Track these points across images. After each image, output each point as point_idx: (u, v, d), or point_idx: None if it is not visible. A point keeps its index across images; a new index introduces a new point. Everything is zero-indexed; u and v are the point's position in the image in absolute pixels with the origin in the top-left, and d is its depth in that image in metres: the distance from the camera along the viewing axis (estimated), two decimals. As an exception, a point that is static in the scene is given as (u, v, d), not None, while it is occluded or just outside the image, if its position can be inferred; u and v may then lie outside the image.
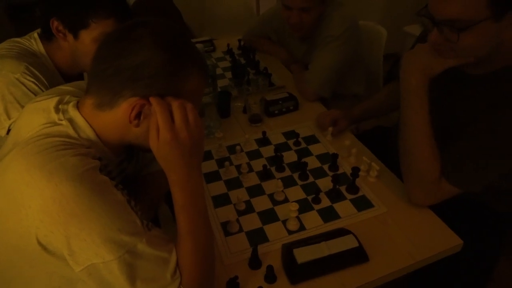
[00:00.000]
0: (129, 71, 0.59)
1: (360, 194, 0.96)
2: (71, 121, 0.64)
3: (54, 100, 0.67)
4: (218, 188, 1.00)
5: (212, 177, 1.04)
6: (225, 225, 0.88)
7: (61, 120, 0.64)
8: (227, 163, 1.04)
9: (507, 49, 0.77)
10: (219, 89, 1.34)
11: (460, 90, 0.89)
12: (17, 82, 0.94)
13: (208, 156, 1.11)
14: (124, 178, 0.82)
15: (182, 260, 0.64)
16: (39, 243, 0.58)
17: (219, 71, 1.58)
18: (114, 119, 0.64)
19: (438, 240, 0.83)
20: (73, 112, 0.65)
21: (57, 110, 0.65)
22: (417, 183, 0.87)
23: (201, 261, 0.66)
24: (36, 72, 0.97)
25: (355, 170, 0.94)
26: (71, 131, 0.63)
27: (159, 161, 0.65)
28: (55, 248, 0.58)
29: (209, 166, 1.07)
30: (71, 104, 0.67)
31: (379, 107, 1.25)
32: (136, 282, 0.59)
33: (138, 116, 0.63)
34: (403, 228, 0.86)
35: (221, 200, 0.96)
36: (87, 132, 0.65)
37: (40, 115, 0.65)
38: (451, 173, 0.83)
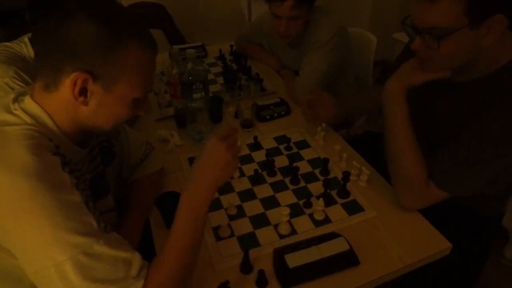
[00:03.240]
0: (64, 46, 0.58)
1: (351, 198, 0.96)
2: (24, 109, 0.63)
3: (17, 92, 0.67)
4: (210, 193, 1.00)
5: (204, 182, 1.03)
6: (216, 230, 0.88)
7: (16, 109, 0.63)
8: (218, 168, 1.04)
9: (487, 56, 0.79)
10: (211, 94, 1.35)
11: (445, 96, 0.91)
12: (6, 87, 0.93)
13: (199, 161, 1.11)
14: (100, 177, 0.81)
15: (157, 270, 0.63)
16: None
17: (211, 76, 1.58)
18: (62, 99, 0.63)
19: (427, 243, 0.84)
20: (27, 100, 0.65)
21: (14, 101, 0.65)
22: (405, 188, 0.88)
23: (178, 278, 0.65)
24: (26, 77, 0.96)
25: (346, 175, 0.95)
26: (27, 119, 0.63)
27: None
28: (8, 245, 0.56)
29: (201, 171, 1.07)
30: (28, 94, 0.66)
31: (368, 102, 1.25)
32: (96, 284, 0.57)
33: (83, 92, 0.62)
34: (393, 232, 0.87)
35: (213, 205, 0.95)
36: (43, 117, 0.64)
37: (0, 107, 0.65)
38: (439, 178, 0.84)
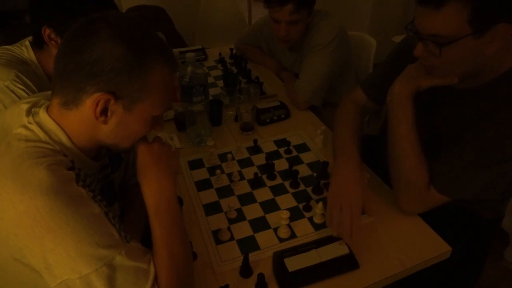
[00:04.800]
0: (88, 66, 0.58)
1: (350, 201, 0.96)
2: (40, 124, 0.63)
3: (30, 103, 0.67)
4: (209, 196, 1.00)
5: (203, 185, 1.03)
6: (216, 233, 0.88)
7: (31, 123, 0.62)
8: (218, 171, 1.04)
9: (491, 64, 0.79)
10: (211, 98, 1.35)
11: (448, 103, 0.91)
12: (6, 90, 0.93)
13: (199, 164, 1.11)
14: (110, 184, 0.81)
15: (158, 269, 0.63)
16: (13, 256, 0.57)
17: (210, 79, 1.59)
18: (81, 117, 0.62)
19: (427, 247, 0.84)
20: (42, 114, 0.64)
21: (28, 113, 0.64)
22: (406, 191, 0.88)
23: (177, 270, 0.65)
24: (26, 80, 0.96)
25: (345, 178, 0.95)
26: (42, 135, 0.62)
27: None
28: (30, 261, 0.57)
29: (200, 174, 1.07)
30: (42, 107, 0.65)
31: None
32: None
33: (104, 112, 0.61)
34: (393, 235, 0.87)
35: (212, 208, 0.96)
36: (58, 134, 0.63)
37: (13, 118, 0.64)
38: (440, 182, 0.84)
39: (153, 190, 0.69)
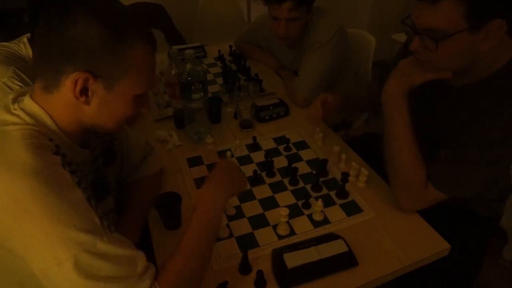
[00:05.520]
0: (64, 46, 0.58)
1: (349, 199, 0.96)
2: (24, 109, 0.63)
3: (17, 93, 0.67)
4: (209, 193, 1.00)
5: (202, 182, 1.03)
6: (215, 231, 0.88)
7: (15, 109, 0.63)
8: (217, 168, 1.03)
9: (484, 60, 0.79)
10: (210, 95, 1.35)
11: (444, 100, 0.91)
12: (4, 86, 0.93)
13: (198, 161, 1.11)
14: (103, 178, 0.81)
15: (168, 268, 0.64)
16: None
17: (210, 77, 1.58)
18: (63, 99, 0.62)
19: (426, 244, 0.84)
20: (26, 100, 0.64)
21: (14, 101, 0.65)
22: (403, 189, 0.88)
23: (185, 278, 0.65)
24: (24, 77, 0.96)
25: (345, 176, 0.95)
26: (27, 119, 0.62)
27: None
28: (11, 245, 0.56)
29: (199, 171, 1.07)
30: (27, 94, 0.66)
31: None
32: (99, 282, 0.56)
33: (84, 92, 0.61)
34: (392, 233, 0.87)
35: (212, 206, 0.96)
36: (43, 117, 0.63)
37: (0, 108, 0.64)
38: (439, 180, 0.84)
39: (206, 199, 0.74)
